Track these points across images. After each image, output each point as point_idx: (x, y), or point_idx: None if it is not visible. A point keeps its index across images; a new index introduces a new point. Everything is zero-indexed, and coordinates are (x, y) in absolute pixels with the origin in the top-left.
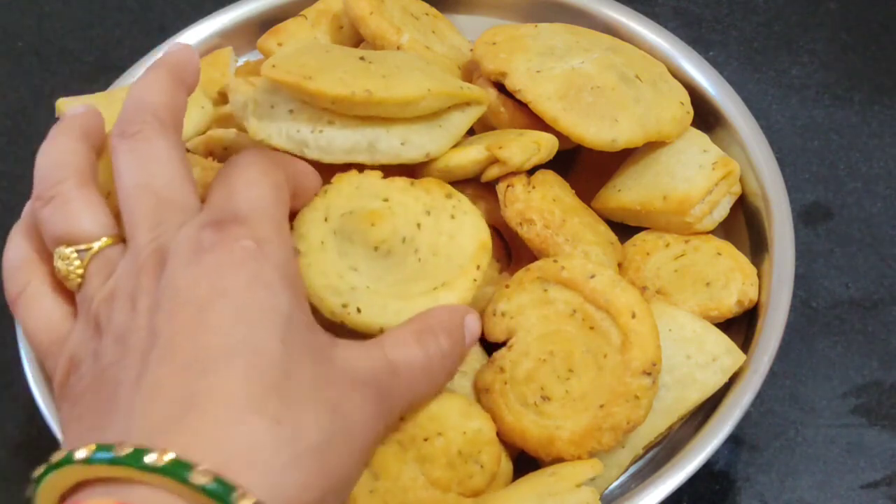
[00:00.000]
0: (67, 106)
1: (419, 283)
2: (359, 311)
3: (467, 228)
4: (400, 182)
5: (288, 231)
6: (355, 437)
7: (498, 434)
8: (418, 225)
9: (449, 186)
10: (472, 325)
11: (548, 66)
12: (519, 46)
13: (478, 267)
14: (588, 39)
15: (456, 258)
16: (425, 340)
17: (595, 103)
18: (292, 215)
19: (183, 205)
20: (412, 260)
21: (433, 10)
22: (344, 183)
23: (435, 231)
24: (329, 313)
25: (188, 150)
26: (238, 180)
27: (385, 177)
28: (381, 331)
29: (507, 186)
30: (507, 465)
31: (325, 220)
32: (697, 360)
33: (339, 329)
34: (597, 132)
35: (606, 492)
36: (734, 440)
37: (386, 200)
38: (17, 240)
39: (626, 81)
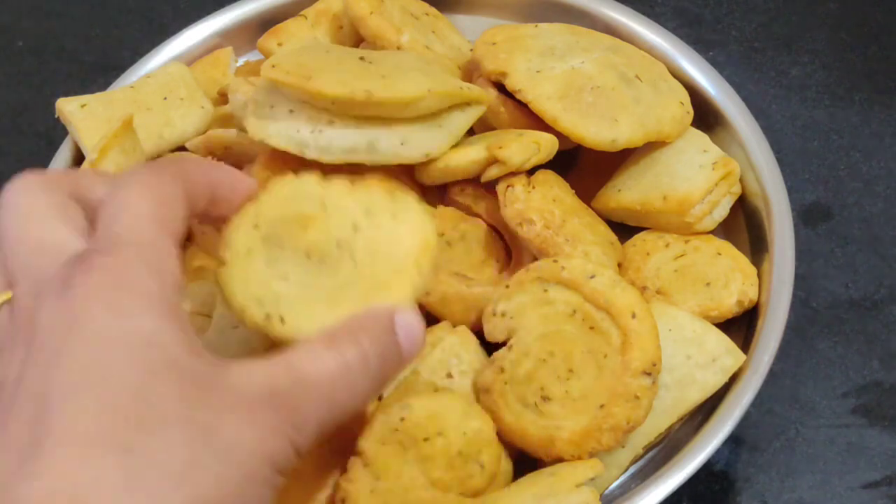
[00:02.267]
0: (67, 106)
1: (354, 288)
2: (282, 320)
3: (409, 227)
4: (339, 184)
5: (169, 250)
6: (237, 458)
7: (498, 434)
8: (354, 227)
9: (393, 183)
10: (407, 323)
11: (548, 66)
12: (519, 46)
13: (419, 269)
14: (588, 39)
15: (394, 260)
16: (341, 345)
17: (595, 103)
18: (230, 222)
19: (61, 247)
20: (347, 265)
21: (433, 10)
22: (277, 188)
23: (374, 232)
24: (252, 325)
25: (188, 150)
26: (111, 207)
27: (326, 175)
28: None
29: (507, 186)
30: (507, 465)
31: (255, 226)
32: (697, 360)
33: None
34: (597, 132)
35: (606, 492)
36: (734, 440)
37: (321, 204)
38: None
39: (626, 81)
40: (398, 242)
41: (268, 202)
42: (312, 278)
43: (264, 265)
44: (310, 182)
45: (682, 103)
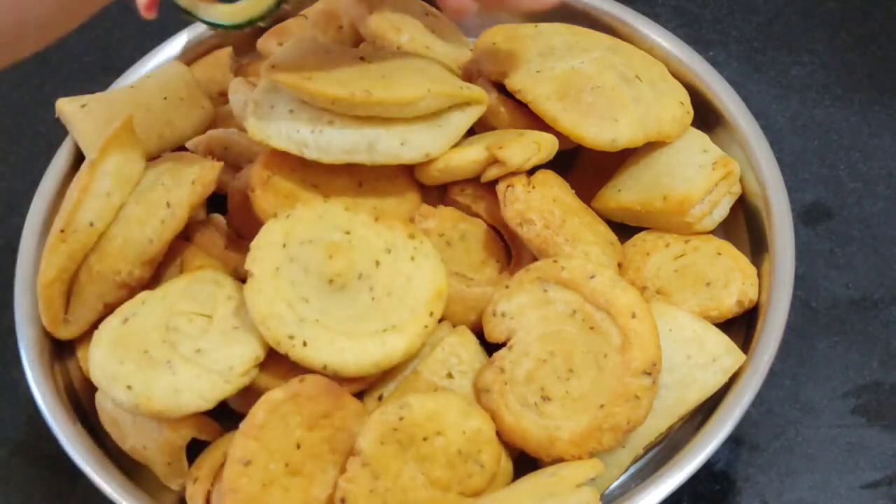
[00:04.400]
0: (67, 106)
1: (369, 322)
2: (305, 344)
3: (426, 273)
4: (364, 216)
5: None
6: None
7: (498, 434)
8: (377, 263)
9: (413, 226)
10: None
11: (548, 65)
12: (519, 46)
13: (431, 314)
14: (588, 39)
15: (410, 302)
16: None
17: (595, 103)
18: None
19: None
20: (365, 297)
21: (433, 10)
22: (307, 210)
23: (393, 271)
24: (274, 343)
25: (188, 150)
26: None
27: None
28: (325, 367)
29: (507, 186)
30: (507, 465)
31: (284, 245)
32: (697, 360)
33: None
34: (597, 132)
35: (607, 492)
36: (734, 440)
37: (347, 233)
38: None
39: (626, 81)
40: (414, 285)
41: (296, 223)
42: (331, 305)
43: (290, 286)
44: (337, 209)
45: (681, 103)
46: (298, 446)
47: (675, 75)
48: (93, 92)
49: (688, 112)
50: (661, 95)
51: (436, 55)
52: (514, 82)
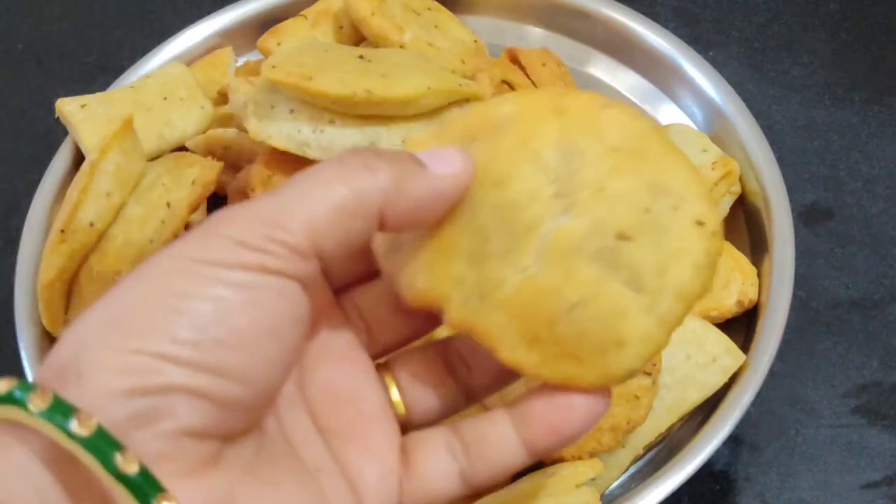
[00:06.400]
0: (67, 106)
1: None
2: None
3: None
4: None
5: None
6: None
7: None
8: None
9: None
10: (432, 151)
11: (488, 277)
12: (446, 244)
13: None
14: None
15: None
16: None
17: (583, 332)
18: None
19: None
20: None
21: (434, 4)
22: None
23: None
24: None
25: (188, 150)
26: None
27: None
28: None
29: None
30: None
31: None
32: (697, 360)
33: None
34: (600, 375)
35: (607, 492)
36: (734, 440)
37: None
38: None
39: (613, 266)
40: None
41: None
42: None
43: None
44: None
45: (700, 224)
46: None
47: (675, 75)
48: (93, 92)
49: (713, 233)
50: (663, 243)
51: (438, 51)
52: (452, 317)
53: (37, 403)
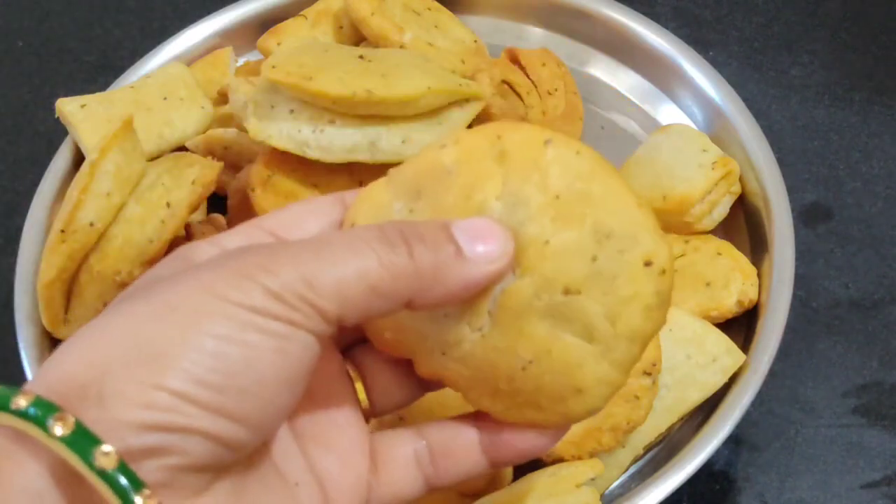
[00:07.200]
0: (67, 106)
1: None
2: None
3: None
4: None
5: None
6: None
7: None
8: None
9: None
10: (468, 225)
11: (444, 340)
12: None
13: None
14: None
15: None
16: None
17: (539, 387)
18: None
19: None
20: None
21: (434, 4)
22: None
23: None
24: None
25: (188, 150)
26: None
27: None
28: None
29: None
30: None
31: None
32: (697, 360)
33: None
34: (561, 417)
35: (607, 492)
36: (734, 440)
37: None
38: None
39: (563, 319)
40: None
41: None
42: None
43: None
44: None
45: (648, 264)
46: None
47: (675, 75)
48: (93, 92)
49: (662, 271)
50: (612, 291)
51: (438, 51)
52: (421, 369)
53: (58, 427)
